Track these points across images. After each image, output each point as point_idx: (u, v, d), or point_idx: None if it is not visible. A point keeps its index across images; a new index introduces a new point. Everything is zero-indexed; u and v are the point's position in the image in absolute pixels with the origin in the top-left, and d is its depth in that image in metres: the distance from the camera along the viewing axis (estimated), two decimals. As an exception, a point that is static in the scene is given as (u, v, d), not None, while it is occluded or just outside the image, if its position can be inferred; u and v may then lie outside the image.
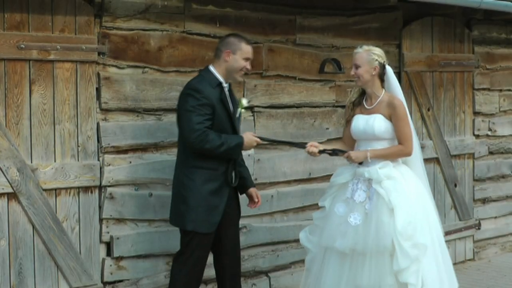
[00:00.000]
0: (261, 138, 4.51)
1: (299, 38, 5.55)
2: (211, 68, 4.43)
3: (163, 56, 4.81)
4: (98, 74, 4.56)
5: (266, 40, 5.37)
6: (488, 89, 6.92)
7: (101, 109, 4.59)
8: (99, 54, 4.54)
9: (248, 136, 4.42)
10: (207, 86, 4.31)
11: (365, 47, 4.56)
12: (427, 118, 6.39)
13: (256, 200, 4.67)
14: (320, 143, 4.85)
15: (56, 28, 4.37)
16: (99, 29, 4.55)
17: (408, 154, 4.50)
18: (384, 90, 4.59)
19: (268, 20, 5.37)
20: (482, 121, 6.88)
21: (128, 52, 4.68)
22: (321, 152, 4.56)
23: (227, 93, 4.45)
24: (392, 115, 4.49)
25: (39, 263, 4.37)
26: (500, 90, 7.04)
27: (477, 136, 6.84)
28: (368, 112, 4.56)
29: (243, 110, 4.53)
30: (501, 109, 7.06)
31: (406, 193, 4.40)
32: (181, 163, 4.39)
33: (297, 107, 5.59)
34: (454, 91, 6.61)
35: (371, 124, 4.49)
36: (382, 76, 4.57)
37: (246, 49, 4.41)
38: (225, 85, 4.43)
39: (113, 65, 4.63)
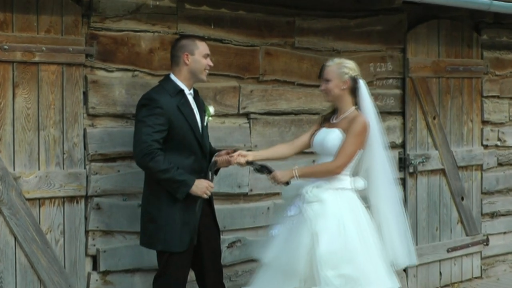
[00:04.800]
0: (211, 180, 4.28)
1: (298, 41, 5.50)
2: (172, 76, 4.35)
3: (154, 58, 4.76)
4: (86, 78, 4.51)
5: (263, 43, 5.32)
6: (498, 97, 6.86)
7: (88, 115, 4.54)
8: (86, 56, 4.48)
9: (202, 182, 4.19)
10: (165, 95, 4.21)
11: (337, 60, 4.44)
12: (433, 127, 6.31)
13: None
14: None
15: (41, 29, 4.31)
16: (87, 30, 4.51)
17: (335, 172, 4.28)
18: (354, 106, 4.42)
19: (266, 22, 5.32)
20: (491, 130, 6.82)
21: (118, 54, 4.62)
22: (248, 163, 4.38)
23: (191, 100, 4.35)
24: (348, 130, 4.30)
25: (20, 277, 4.29)
26: (510, 98, 6.99)
27: (486, 147, 6.77)
28: (331, 126, 4.42)
29: (210, 118, 4.45)
30: (511, 118, 7.02)
31: (335, 220, 4.19)
32: (147, 180, 4.32)
33: (295, 114, 5.52)
34: (462, 99, 6.54)
35: (327, 138, 4.35)
36: (354, 90, 4.40)
37: (203, 46, 4.36)
38: (188, 92, 4.33)
39: (101, 68, 4.58)
